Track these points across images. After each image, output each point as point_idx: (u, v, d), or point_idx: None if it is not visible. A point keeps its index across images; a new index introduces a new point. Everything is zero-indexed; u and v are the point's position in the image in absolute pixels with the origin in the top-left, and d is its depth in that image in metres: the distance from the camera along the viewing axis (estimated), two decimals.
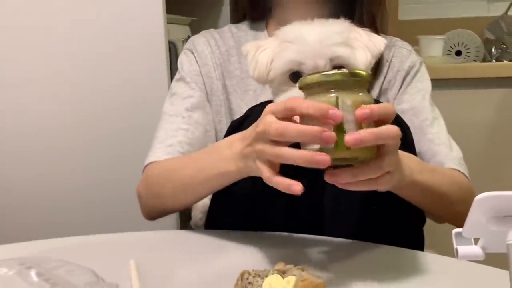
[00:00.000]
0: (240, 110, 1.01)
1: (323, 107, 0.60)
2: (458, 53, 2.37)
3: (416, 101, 1.01)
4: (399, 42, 1.10)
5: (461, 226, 0.92)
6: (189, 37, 1.62)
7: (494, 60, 2.31)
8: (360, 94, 0.63)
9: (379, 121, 0.63)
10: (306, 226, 0.84)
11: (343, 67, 0.83)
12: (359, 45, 0.87)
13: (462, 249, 0.63)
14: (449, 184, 0.88)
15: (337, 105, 0.61)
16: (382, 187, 0.67)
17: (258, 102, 0.94)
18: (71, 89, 1.30)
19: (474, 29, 2.35)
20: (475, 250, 0.63)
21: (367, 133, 0.60)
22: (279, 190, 0.66)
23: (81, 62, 1.28)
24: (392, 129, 0.63)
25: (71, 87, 1.30)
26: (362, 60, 0.86)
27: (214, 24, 1.81)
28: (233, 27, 1.12)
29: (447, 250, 0.83)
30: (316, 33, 0.83)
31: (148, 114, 1.21)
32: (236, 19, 1.16)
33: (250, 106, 0.96)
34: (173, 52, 1.31)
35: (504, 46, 2.30)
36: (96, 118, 1.30)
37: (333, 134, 0.60)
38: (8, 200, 1.35)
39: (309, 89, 0.64)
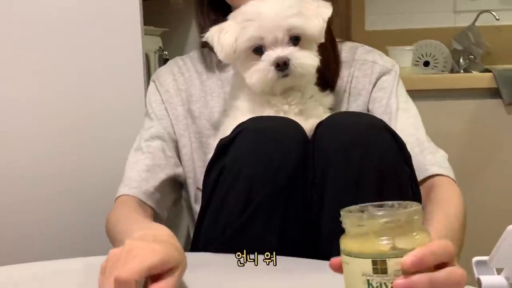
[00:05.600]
0: (206, 132, 1.07)
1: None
2: (426, 63, 2.37)
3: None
4: (362, 53, 1.09)
5: None
6: (160, 47, 1.59)
7: (462, 71, 2.33)
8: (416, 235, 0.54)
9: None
10: (302, 246, 0.85)
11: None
12: (311, 13, 0.95)
13: (486, 279, 0.60)
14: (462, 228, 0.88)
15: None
16: None
17: (224, 121, 1.01)
18: (53, 100, 1.26)
19: (441, 40, 2.36)
20: (500, 280, 0.60)
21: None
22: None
23: (63, 71, 1.25)
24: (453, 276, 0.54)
25: (54, 98, 1.26)
26: (316, 27, 0.94)
27: (184, 35, 1.79)
28: (196, 52, 1.15)
29: None
30: (272, 8, 0.92)
31: (126, 123, 1.23)
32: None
33: (216, 126, 1.05)
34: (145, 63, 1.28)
35: (472, 56, 2.32)
36: (77, 131, 1.27)
37: None
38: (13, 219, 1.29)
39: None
